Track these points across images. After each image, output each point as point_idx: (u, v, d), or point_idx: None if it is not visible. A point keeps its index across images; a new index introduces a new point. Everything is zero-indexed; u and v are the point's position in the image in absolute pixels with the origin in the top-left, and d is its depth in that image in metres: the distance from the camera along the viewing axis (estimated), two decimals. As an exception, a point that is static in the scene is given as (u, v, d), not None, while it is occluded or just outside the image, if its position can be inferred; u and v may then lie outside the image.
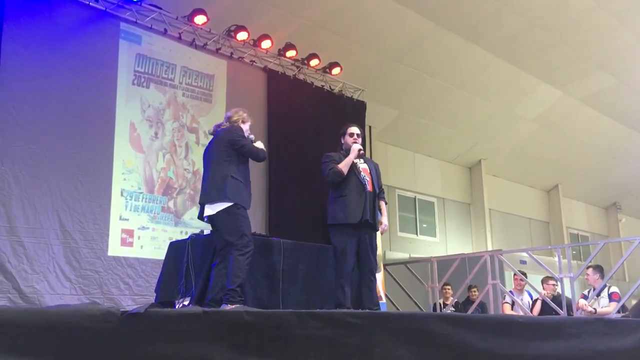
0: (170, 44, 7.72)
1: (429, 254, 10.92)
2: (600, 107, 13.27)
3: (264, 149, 4.68)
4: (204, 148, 4.98)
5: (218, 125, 4.81)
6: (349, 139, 5.12)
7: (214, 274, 4.46)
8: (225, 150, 4.52)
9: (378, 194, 5.11)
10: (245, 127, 4.75)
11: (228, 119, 4.79)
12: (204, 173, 4.71)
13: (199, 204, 4.62)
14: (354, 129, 5.17)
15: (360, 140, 5.15)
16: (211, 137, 4.87)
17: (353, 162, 4.97)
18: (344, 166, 4.91)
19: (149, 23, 7.44)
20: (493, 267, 6.56)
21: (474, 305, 7.35)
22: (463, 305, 8.30)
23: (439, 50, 10.50)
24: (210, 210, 4.43)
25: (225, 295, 4.20)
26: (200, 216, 4.62)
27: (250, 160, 4.67)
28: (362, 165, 5.04)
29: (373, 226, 4.94)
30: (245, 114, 4.82)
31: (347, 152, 5.05)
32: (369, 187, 4.94)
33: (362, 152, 5.06)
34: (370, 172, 5.04)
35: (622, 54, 11.39)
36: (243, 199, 4.45)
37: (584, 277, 7.24)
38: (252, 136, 4.73)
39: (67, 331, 2.43)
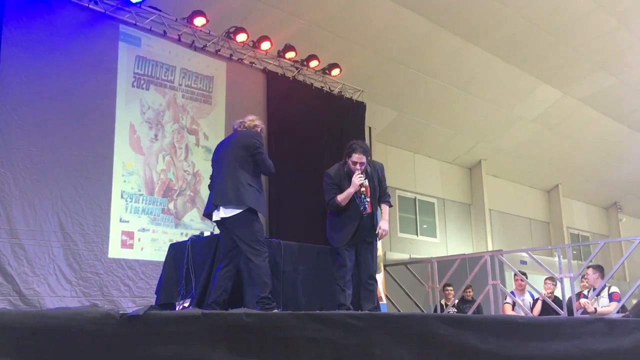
0: (170, 46, 7.73)
1: (429, 255, 10.93)
2: (601, 108, 13.27)
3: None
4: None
5: (238, 125, 4.73)
6: (351, 165, 4.91)
7: (217, 277, 4.44)
8: (244, 155, 4.47)
9: (381, 197, 5.07)
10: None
11: (241, 124, 4.73)
12: (217, 173, 4.56)
13: (213, 205, 4.48)
14: (358, 157, 4.88)
15: (364, 167, 4.92)
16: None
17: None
18: (343, 199, 4.86)
19: (148, 25, 7.44)
20: (493, 267, 6.56)
21: (474, 306, 7.35)
22: (458, 304, 8.32)
23: (439, 51, 10.50)
24: (224, 212, 4.37)
25: (258, 304, 4.21)
26: (208, 215, 4.55)
27: None
28: (365, 183, 4.88)
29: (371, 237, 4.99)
30: (263, 126, 4.81)
31: (349, 173, 4.92)
32: (369, 209, 4.87)
33: (363, 189, 4.85)
34: (370, 190, 4.92)
35: (622, 54, 11.39)
36: (260, 206, 4.44)
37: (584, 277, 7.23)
38: None
39: (67, 334, 2.43)
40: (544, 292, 7.31)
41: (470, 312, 7.14)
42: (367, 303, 4.90)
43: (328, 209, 5.02)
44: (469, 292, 8.37)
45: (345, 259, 4.84)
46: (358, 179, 4.84)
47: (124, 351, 2.52)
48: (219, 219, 4.43)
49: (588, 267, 6.85)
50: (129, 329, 2.53)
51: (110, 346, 2.50)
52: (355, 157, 4.90)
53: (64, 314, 2.51)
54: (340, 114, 9.54)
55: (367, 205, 4.84)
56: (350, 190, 4.85)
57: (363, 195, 4.85)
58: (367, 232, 4.91)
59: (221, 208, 4.39)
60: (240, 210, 4.33)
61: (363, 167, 4.92)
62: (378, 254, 6.77)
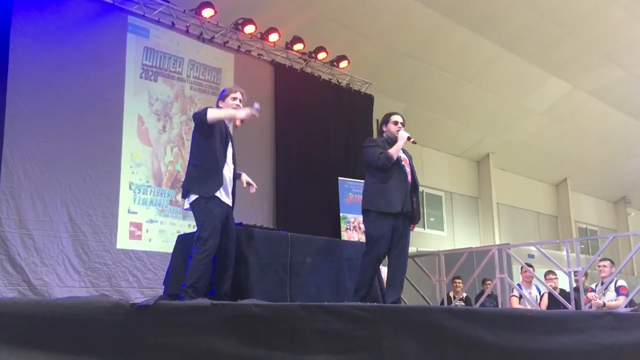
0: (178, 38, 7.72)
1: (437, 248, 10.90)
2: (610, 101, 13.17)
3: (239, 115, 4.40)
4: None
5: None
6: (392, 127, 4.94)
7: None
8: (195, 135, 4.37)
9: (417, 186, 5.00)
10: (231, 102, 4.56)
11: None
12: None
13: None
14: (398, 117, 4.99)
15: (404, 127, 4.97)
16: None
17: None
18: (394, 152, 4.77)
19: (156, 16, 7.44)
20: (501, 261, 6.54)
21: (484, 296, 7.34)
22: (477, 298, 8.27)
23: (447, 43, 10.44)
24: (186, 203, 4.36)
25: (180, 292, 4.09)
26: None
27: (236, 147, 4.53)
28: (402, 156, 4.92)
29: (410, 216, 4.85)
30: (231, 87, 4.68)
31: (390, 139, 4.91)
32: (409, 178, 4.85)
33: (412, 140, 4.88)
34: (409, 163, 4.94)
35: (632, 47, 11.30)
36: (204, 189, 4.17)
37: (594, 270, 7.21)
38: (256, 105, 4.54)
39: (77, 323, 2.45)
40: (549, 284, 7.28)
41: (481, 302, 7.15)
42: (394, 291, 4.75)
43: (377, 164, 4.77)
44: (489, 284, 8.31)
45: (379, 244, 4.66)
46: (405, 132, 4.86)
47: (133, 340, 2.53)
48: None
49: (603, 260, 6.82)
50: (139, 319, 2.55)
51: (120, 335, 2.52)
52: (396, 117, 4.98)
53: (74, 303, 2.52)
54: (348, 106, 9.52)
55: (407, 174, 4.82)
56: (400, 143, 4.81)
57: (403, 164, 4.84)
58: (409, 203, 4.76)
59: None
60: (191, 199, 4.22)
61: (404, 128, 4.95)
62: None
